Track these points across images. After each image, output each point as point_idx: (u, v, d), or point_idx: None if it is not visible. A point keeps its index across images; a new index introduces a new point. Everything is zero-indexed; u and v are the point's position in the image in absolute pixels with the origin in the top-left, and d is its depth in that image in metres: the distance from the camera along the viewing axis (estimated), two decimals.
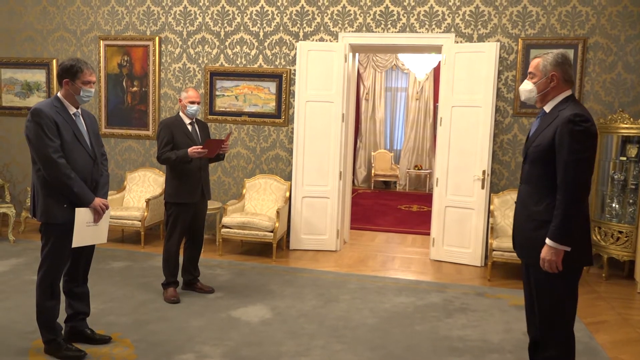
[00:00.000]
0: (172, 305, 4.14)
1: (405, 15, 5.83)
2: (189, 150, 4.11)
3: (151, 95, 6.49)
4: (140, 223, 5.88)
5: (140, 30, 6.50)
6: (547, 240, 2.50)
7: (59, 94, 3.17)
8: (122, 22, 6.53)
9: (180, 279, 4.46)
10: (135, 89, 6.56)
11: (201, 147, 4.15)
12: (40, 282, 3.15)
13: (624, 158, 5.34)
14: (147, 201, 5.96)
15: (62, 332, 3.30)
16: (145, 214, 5.92)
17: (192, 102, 4.29)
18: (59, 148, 3.01)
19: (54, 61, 6.71)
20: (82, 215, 3.10)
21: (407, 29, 5.84)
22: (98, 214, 3.17)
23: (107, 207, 3.23)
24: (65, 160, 3.03)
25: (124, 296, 4.31)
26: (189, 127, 4.32)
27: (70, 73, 3.11)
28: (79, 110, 3.21)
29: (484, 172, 5.51)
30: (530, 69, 2.70)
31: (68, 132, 3.08)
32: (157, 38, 6.41)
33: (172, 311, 4.02)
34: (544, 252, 2.52)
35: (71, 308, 3.38)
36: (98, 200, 3.16)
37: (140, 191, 6.40)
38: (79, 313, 3.40)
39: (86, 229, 3.13)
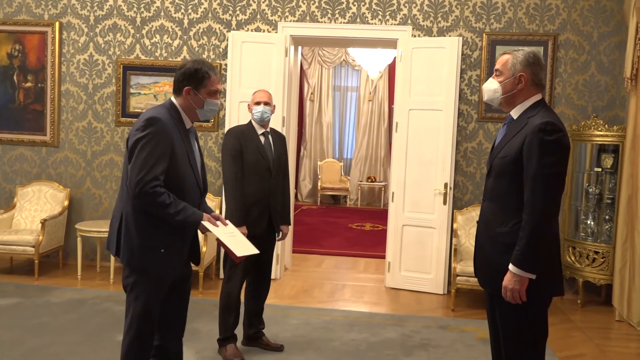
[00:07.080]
0: None
1: (355, 3, 5.88)
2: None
3: (49, 92, 6.24)
4: (33, 249, 5.60)
5: (36, 14, 6.24)
6: (510, 267, 2.51)
7: (175, 101, 2.82)
8: (14, 3, 6.25)
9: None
10: (29, 84, 6.30)
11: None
12: (128, 350, 2.77)
13: (599, 169, 5.54)
14: (43, 222, 5.69)
15: None
16: (40, 238, 5.64)
17: (258, 103, 3.96)
18: (159, 176, 2.63)
19: None
20: (219, 229, 2.81)
21: (358, 20, 5.89)
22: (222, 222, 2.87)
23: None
24: (172, 188, 2.67)
25: (12, 341, 4.06)
26: (262, 139, 4.00)
27: (195, 79, 2.76)
28: (194, 125, 2.90)
29: (445, 185, 5.60)
30: (497, 66, 2.71)
31: (182, 154, 2.75)
32: (57, 23, 6.18)
33: None
34: (506, 280, 2.52)
35: None
36: (206, 215, 2.81)
37: (34, 210, 6.12)
38: None
39: (234, 239, 2.85)
